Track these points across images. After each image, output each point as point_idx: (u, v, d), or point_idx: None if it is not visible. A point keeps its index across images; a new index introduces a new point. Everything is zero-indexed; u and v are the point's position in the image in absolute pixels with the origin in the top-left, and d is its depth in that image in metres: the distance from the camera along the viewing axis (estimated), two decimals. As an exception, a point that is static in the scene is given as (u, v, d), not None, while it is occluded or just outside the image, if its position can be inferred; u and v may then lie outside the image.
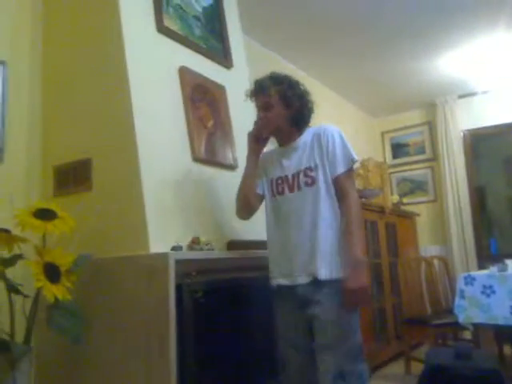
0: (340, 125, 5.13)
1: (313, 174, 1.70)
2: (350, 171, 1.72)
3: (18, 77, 2.13)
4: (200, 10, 2.43)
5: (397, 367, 3.68)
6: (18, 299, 1.75)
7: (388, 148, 5.67)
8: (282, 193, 1.77)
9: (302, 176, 1.72)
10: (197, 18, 2.40)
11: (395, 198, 4.93)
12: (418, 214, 5.05)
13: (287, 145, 1.81)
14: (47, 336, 1.79)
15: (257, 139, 1.86)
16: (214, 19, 2.52)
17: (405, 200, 5.10)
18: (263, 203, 1.88)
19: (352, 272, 1.58)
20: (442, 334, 3.80)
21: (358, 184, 4.89)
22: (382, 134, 5.70)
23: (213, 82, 2.40)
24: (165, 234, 1.85)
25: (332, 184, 1.69)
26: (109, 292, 1.81)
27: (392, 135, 5.65)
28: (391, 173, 5.50)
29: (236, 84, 2.57)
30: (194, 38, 2.34)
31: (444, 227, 5.12)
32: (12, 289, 1.72)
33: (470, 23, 3.59)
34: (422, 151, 5.45)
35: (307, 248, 1.66)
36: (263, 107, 1.77)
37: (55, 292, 1.64)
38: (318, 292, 1.63)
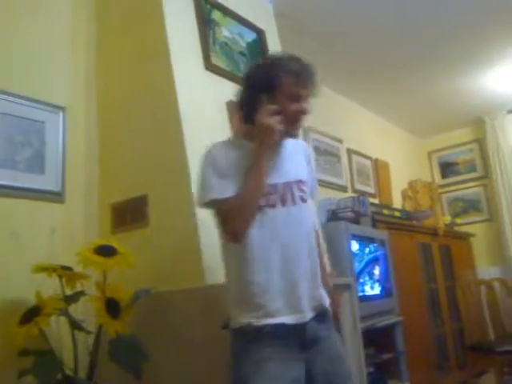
0: (386, 147, 5.09)
1: (305, 188, 1.44)
2: None
3: (75, 121, 2.25)
4: (244, 45, 2.50)
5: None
6: (80, 335, 1.80)
7: (436, 168, 5.52)
8: (273, 205, 1.37)
9: (295, 188, 1.41)
10: (242, 53, 2.47)
11: (447, 218, 4.77)
12: (474, 235, 4.84)
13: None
14: (109, 371, 1.82)
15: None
16: (258, 53, 2.58)
17: (458, 220, 4.91)
18: None
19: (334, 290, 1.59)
20: (508, 362, 3.58)
21: (408, 206, 4.78)
22: (429, 153, 5.57)
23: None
24: (219, 266, 1.86)
25: None
26: (167, 325, 1.84)
27: (439, 154, 5.51)
28: (441, 193, 5.33)
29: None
30: (240, 73, 2.40)
31: (502, 247, 4.88)
32: (75, 325, 1.77)
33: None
34: (472, 169, 5.27)
35: (311, 275, 1.39)
36: (307, 99, 1.40)
37: (116, 327, 1.68)
38: (322, 326, 1.39)
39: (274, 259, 1.35)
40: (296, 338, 1.33)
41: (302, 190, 1.42)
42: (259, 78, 1.40)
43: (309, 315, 1.35)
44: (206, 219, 1.88)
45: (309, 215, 1.44)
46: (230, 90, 2.31)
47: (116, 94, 2.34)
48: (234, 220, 1.33)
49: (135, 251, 1.84)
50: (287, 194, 1.39)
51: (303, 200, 1.42)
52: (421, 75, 4.04)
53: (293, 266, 1.35)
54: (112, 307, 1.70)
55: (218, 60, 2.28)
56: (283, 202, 1.38)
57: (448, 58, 3.77)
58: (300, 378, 1.32)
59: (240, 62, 2.43)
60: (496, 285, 3.95)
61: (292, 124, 1.40)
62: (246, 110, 1.43)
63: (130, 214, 2.08)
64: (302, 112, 1.39)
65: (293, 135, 1.45)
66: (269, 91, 1.36)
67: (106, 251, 1.72)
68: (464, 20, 3.27)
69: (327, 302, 1.44)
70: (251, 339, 1.32)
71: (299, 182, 1.42)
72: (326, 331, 1.41)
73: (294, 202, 1.39)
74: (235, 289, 1.39)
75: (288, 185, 1.40)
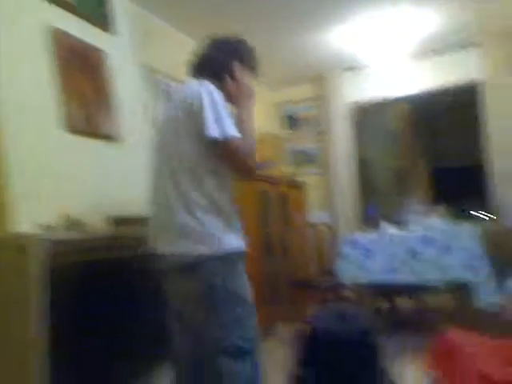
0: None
1: None
2: None
3: None
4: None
5: (287, 330, 3.88)
6: None
7: (282, 121, 5.81)
8: None
9: None
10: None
11: (288, 169, 5.11)
12: (309, 184, 5.28)
13: None
14: None
15: None
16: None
17: (297, 171, 5.30)
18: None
19: None
20: (328, 295, 4.08)
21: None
22: (277, 106, 5.81)
23: (92, 47, 2.25)
24: (35, 213, 1.72)
25: None
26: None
27: (286, 108, 5.79)
28: (285, 145, 5.66)
29: (119, 50, 2.43)
30: (69, -1, 2.15)
31: (332, 196, 5.43)
32: None
33: None
34: (314, 124, 5.67)
35: None
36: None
37: None
38: None
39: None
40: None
41: None
42: (239, 48, 1.72)
43: None
44: (20, 158, 1.71)
45: None
46: (55, 15, 2.07)
47: None
48: (251, 158, 1.54)
49: None
50: None
51: None
52: (268, 27, 4.11)
53: None
54: None
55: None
56: None
57: (293, 12, 3.87)
58: None
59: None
60: (323, 228, 4.41)
61: None
62: (216, 67, 1.67)
63: None
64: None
65: None
66: (240, 61, 1.70)
67: None
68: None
69: None
70: (237, 259, 1.60)
71: None
72: None
73: None
74: (227, 221, 1.63)
75: None
